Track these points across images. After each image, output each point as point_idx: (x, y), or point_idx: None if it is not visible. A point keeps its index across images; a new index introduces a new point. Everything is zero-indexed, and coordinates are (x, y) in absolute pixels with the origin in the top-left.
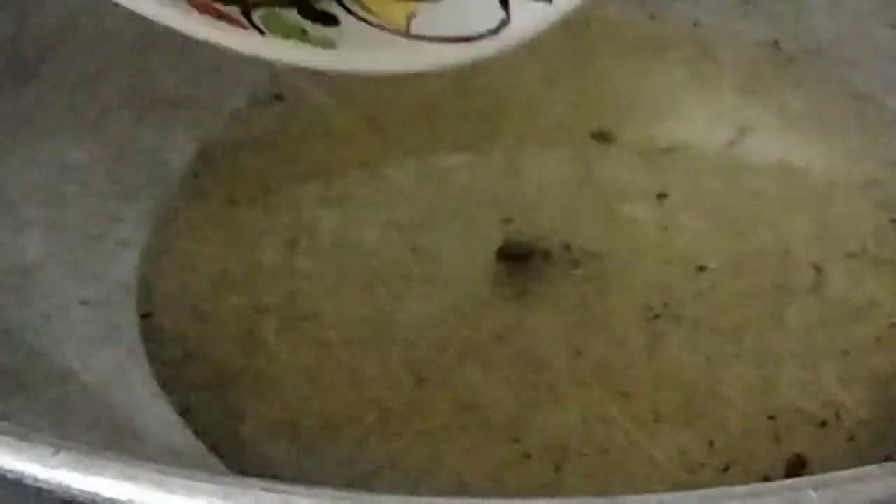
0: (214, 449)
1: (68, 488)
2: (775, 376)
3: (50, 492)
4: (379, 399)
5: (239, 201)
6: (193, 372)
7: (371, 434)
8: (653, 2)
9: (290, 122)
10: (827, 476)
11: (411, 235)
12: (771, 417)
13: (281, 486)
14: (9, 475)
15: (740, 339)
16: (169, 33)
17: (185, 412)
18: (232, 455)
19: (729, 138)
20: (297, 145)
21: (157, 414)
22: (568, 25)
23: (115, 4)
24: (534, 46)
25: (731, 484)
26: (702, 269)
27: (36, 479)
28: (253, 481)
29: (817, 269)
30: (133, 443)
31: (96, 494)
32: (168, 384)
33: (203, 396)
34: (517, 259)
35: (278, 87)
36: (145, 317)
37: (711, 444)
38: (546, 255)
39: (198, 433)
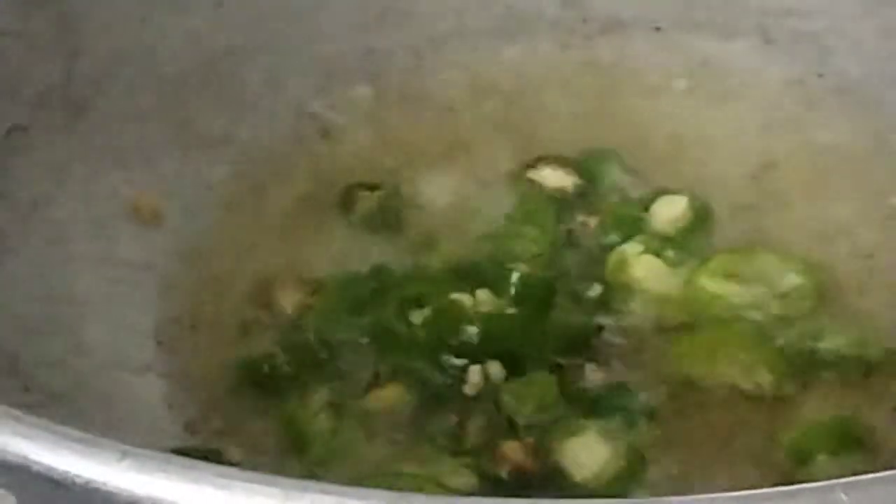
0: None
1: (133, 492)
2: None
3: (117, 494)
4: None
5: (278, 236)
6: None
7: None
8: (679, 43)
9: (332, 160)
10: (856, 479)
11: None
12: None
13: (337, 489)
14: (77, 479)
15: None
16: (214, 72)
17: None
18: None
19: (753, 175)
20: (337, 182)
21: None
22: (597, 67)
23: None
24: (563, 87)
25: None
26: None
27: (105, 483)
28: (311, 483)
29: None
30: None
31: (161, 499)
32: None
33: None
34: None
35: (321, 124)
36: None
37: None
38: None
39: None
